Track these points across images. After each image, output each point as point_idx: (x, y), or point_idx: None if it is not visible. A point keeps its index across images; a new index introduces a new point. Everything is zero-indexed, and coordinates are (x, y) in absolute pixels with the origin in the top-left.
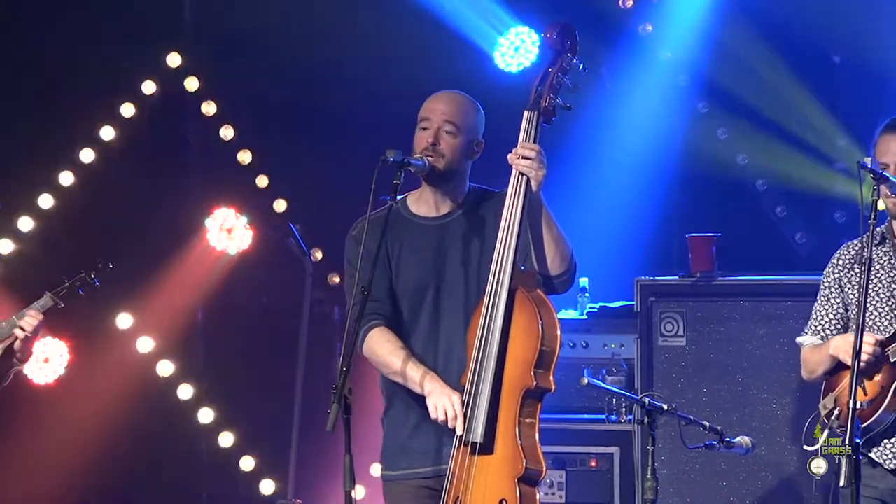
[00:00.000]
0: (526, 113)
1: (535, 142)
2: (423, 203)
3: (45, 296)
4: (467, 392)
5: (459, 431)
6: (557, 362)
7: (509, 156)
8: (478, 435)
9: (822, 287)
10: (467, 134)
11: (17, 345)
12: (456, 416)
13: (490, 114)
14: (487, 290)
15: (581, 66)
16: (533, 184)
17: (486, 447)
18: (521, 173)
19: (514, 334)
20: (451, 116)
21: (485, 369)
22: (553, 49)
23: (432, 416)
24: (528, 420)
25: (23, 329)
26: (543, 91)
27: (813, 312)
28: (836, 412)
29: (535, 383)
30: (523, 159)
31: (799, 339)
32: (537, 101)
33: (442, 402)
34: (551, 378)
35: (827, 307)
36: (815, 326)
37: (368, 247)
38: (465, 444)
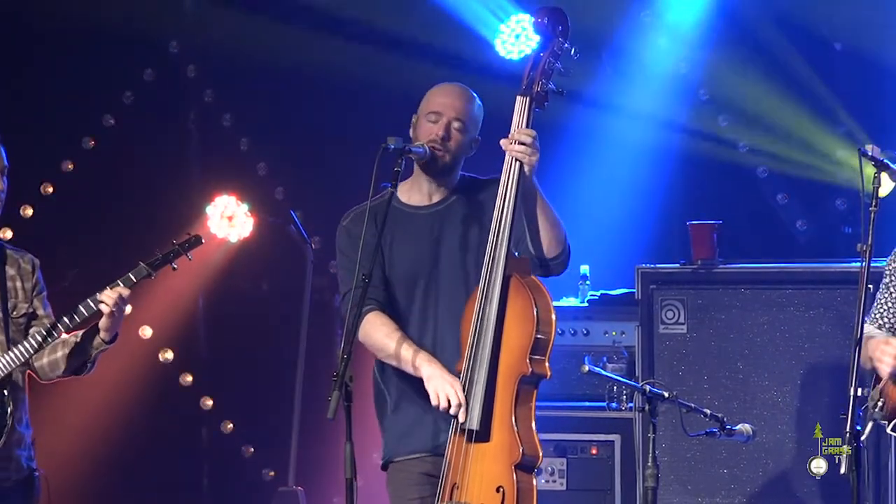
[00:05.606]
0: (518, 98)
1: (528, 127)
2: (416, 192)
3: (139, 265)
4: (463, 379)
5: (462, 419)
6: (556, 349)
7: (503, 141)
8: (474, 422)
9: (884, 275)
10: (472, 131)
11: (102, 322)
12: (460, 404)
13: (490, 101)
14: (482, 278)
15: (573, 50)
16: (526, 169)
17: (483, 434)
18: (516, 159)
19: (510, 321)
20: (462, 114)
21: (480, 356)
22: (544, 34)
23: (433, 402)
24: (524, 407)
25: (105, 303)
26: (536, 76)
27: (875, 300)
28: (879, 404)
29: (530, 370)
30: (518, 144)
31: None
32: (529, 86)
33: (444, 389)
34: (547, 364)
35: (886, 296)
36: (875, 315)
37: (367, 238)
38: (462, 432)
